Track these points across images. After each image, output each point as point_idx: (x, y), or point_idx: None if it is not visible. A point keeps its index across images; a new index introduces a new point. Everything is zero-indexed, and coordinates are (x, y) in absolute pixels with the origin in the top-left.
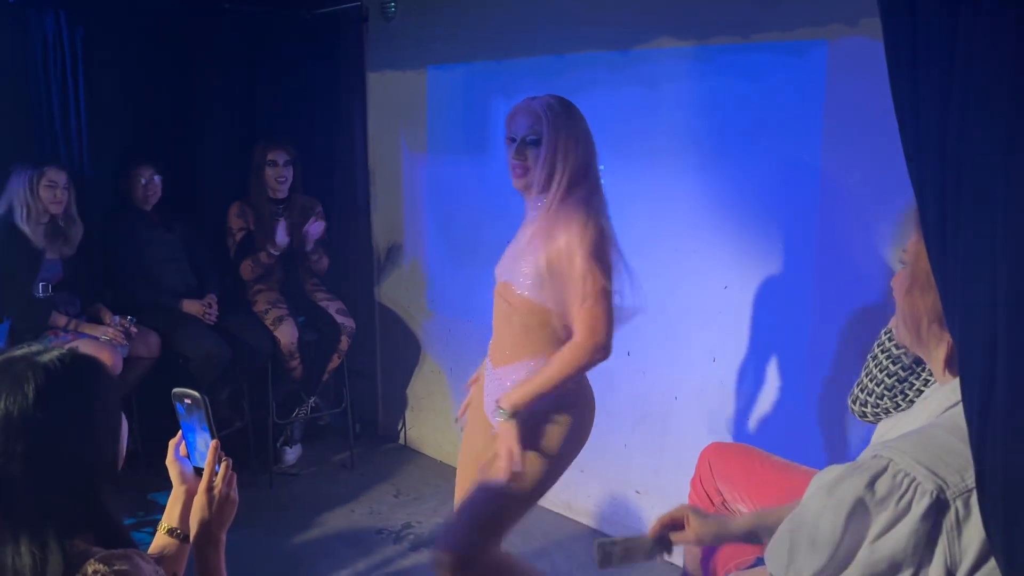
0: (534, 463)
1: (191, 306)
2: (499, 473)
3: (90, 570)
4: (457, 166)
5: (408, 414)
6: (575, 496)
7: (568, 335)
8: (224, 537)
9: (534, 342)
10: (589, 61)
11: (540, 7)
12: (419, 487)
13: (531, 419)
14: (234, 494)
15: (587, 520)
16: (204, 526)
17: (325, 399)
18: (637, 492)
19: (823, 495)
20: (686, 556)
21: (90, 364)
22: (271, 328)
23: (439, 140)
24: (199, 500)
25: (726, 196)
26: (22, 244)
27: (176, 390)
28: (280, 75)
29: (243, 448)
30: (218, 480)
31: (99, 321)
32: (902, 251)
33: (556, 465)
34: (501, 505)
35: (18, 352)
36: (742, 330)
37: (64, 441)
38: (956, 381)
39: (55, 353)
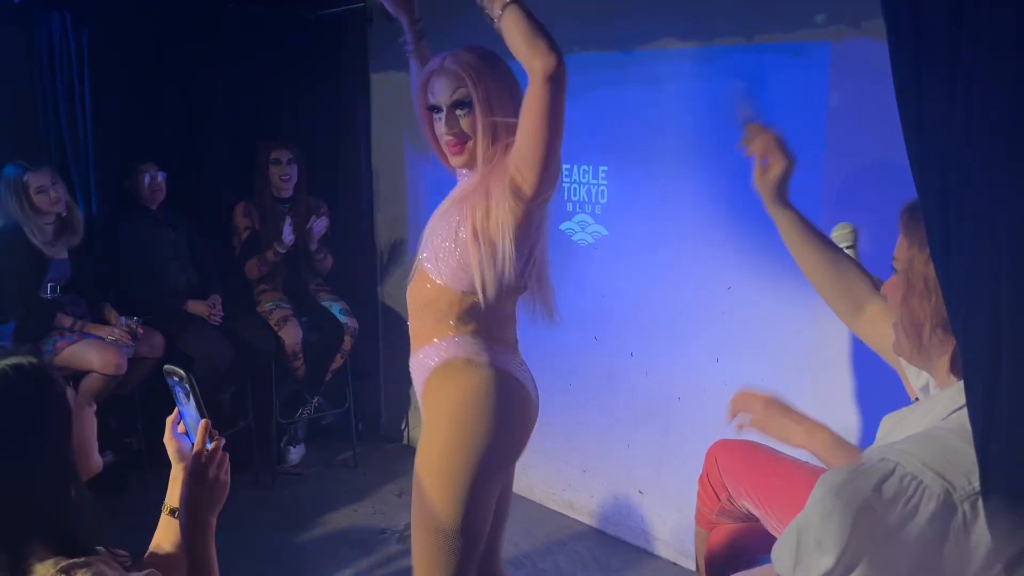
0: (446, 454)
1: (196, 306)
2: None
3: None
4: None
5: (411, 414)
6: (577, 495)
7: (489, 313)
8: (214, 521)
9: (441, 320)
10: (592, 61)
11: (542, 8)
12: None
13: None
14: (225, 476)
15: (589, 520)
16: (193, 509)
17: (328, 399)
18: (640, 492)
19: (830, 497)
20: (697, 554)
21: (36, 377)
22: (275, 328)
23: None
24: (188, 482)
25: (729, 197)
26: (30, 248)
27: (167, 367)
28: (285, 76)
29: (247, 448)
30: (210, 460)
31: (105, 322)
32: (892, 257)
33: (475, 445)
34: (436, 531)
35: None
36: (745, 331)
37: (10, 455)
38: (961, 383)
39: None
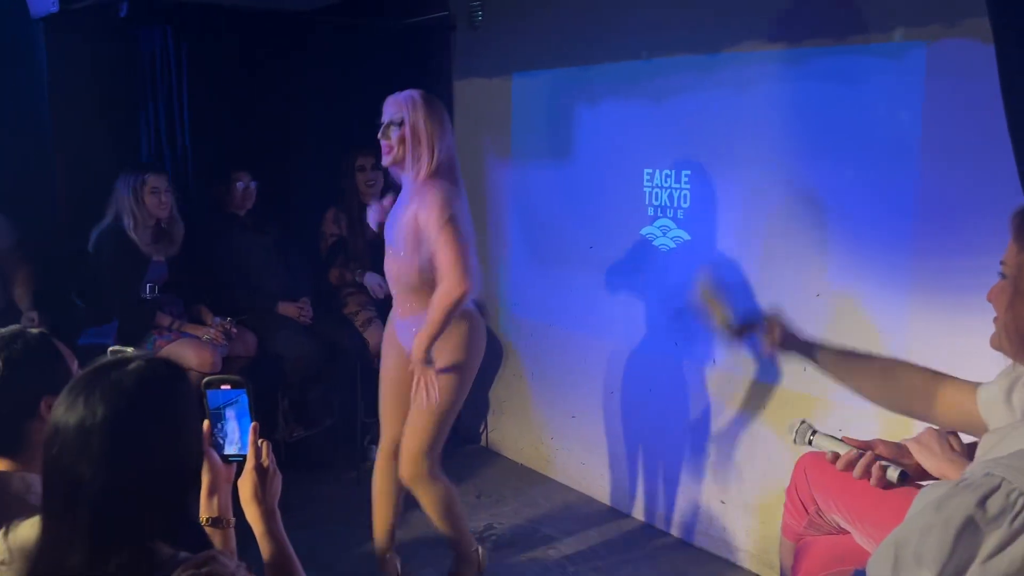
0: (448, 379)
1: (286, 308)
2: (427, 401)
3: None
4: (541, 171)
5: (490, 417)
6: (658, 504)
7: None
8: (278, 508)
9: (422, 298)
10: (676, 65)
11: (625, 12)
12: (500, 489)
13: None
14: (276, 468)
15: (671, 529)
16: (260, 501)
17: None
18: (722, 502)
19: (931, 511)
20: (782, 566)
21: (175, 372)
22: (360, 329)
23: (523, 146)
24: (250, 479)
25: (818, 204)
26: (131, 249)
27: (209, 378)
28: (371, 84)
29: (331, 446)
30: (264, 456)
31: (201, 322)
32: (1000, 262)
33: (465, 373)
34: (438, 421)
35: (106, 360)
36: (834, 338)
37: (154, 449)
38: None
39: (142, 361)
